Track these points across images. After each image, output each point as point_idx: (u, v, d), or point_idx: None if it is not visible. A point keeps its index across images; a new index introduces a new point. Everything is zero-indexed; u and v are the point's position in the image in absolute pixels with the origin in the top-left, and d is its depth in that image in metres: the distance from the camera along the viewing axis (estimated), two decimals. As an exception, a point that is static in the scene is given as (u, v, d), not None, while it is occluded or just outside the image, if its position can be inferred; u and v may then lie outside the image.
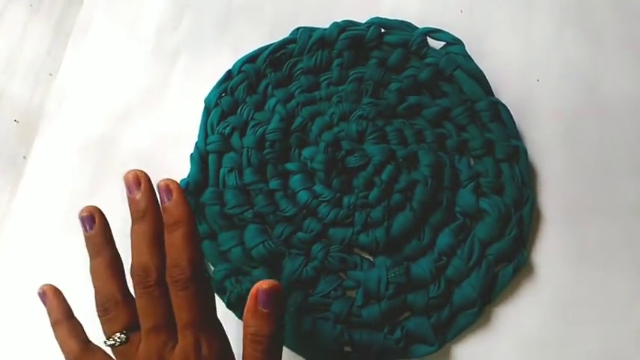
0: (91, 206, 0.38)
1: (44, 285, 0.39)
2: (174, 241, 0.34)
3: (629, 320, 0.43)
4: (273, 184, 0.47)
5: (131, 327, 0.35)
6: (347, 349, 0.43)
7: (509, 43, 0.51)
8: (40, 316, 0.48)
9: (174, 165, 0.49)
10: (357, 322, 0.43)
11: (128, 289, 0.37)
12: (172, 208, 0.34)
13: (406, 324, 0.43)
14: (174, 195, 0.35)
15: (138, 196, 0.36)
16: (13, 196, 0.52)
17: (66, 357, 0.36)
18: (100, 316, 0.36)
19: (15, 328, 0.48)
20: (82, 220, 0.37)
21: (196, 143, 0.49)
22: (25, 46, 0.56)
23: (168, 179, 0.35)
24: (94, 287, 0.36)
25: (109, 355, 0.36)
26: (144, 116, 0.52)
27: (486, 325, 0.44)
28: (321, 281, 0.45)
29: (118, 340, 0.34)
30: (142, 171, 0.36)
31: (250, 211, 0.46)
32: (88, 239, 0.37)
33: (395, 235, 0.45)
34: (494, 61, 0.50)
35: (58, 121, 0.53)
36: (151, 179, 0.49)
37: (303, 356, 0.43)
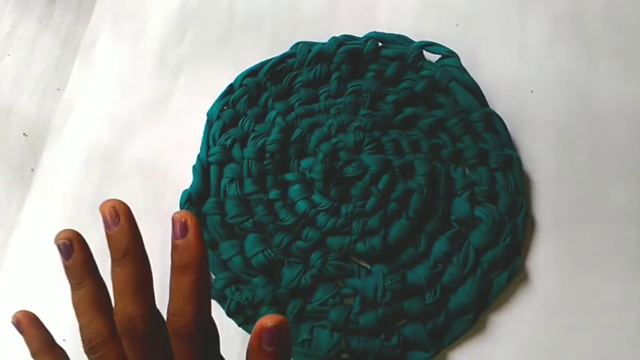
0: (68, 231, 0.33)
1: (17, 312, 0.35)
2: (181, 287, 0.28)
3: (623, 326, 0.44)
4: (273, 194, 0.48)
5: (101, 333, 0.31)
6: (344, 356, 0.44)
7: (503, 55, 0.52)
8: (45, 322, 0.49)
9: (177, 176, 0.51)
10: (354, 329, 0.44)
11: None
12: (186, 248, 0.28)
13: (402, 330, 0.44)
14: (191, 233, 0.28)
15: (116, 232, 0.30)
16: (21, 208, 0.53)
17: None
18: (86, 353, 0.32)
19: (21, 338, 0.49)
20: (59, 247, 0.32)
21: (198, 155, 0.50)
22: (34, 61, 0.58)
23: (185, 212, 0.29)
24: (79, 322, 0.32)
25: None
26: (148, 128, 0.54)
27: (481, 331, 0.45)
28: (319, 289, 0.46)
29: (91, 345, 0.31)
30: (119, 201, 0.31)
31: (250, 220, 0.47)
32: (67, 269, 0.33)
33: (391, 243, 0.46)
34: (489, 73, 0.51)
35: (65, 135, 0.55)
36: (155, 189, 0.51)
37: (302, 363, 0.44)
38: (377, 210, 0.46)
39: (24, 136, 0.55)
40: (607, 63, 0.51)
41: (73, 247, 0.32)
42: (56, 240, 0.32)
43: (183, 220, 0.29)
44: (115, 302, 0.30)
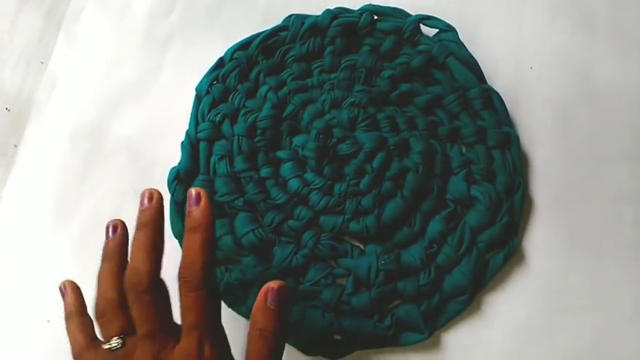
0: (118, 220, 0.39)
1: (65, 281, 0.40)
2: (192, 244, 0.34)
3: (620, 307, 0.43)
4: (264, 171, 0.47)
5: (128, 332, 0.35)
6: (337, 336, 0.43)
7: (502, 30, 0.51)
8: (29, 303, 0.48)
9: (165, 153, 0.50)
10: (346, 310, 0.43)
11: None
12: (197, 213, 0.35)
13: (396, 311, 0.43)
14: (203, 202, 0.35)
15: (145, 207, 0.37)
16: (4, 184, 0.52)
17: (72, 349, 0.37)
18: (97, 320, 0.36)
19: (4, 313, 0.48)
20: (107, 229, 0.39)
21: (187, 131, 0.49)
22: (16, 34, 0.56)
23: (200, 188, 0.36)
24: (97, 292, 0.37)
25: (111, 353, 0.35)
26: (135, 104, 0.52)
27: (477, 312, 0.44)
28: (311, 269, 0.45)
29: (115, 344, 0.34)
30: (157, 190, 0.37)
31: (241, 199, 0.46)
32: (105, 246, 0.38)
33: (385, 223, 0.44)
34: (487, 48, 0.50)
35: (49, 110, 0.54)
36: (143, 167, 0.50)
37: (293, 344, 0.43)
38: (371, 189, 0.45)
39: (6, 111, 0.54)
40: (608, 40, 0.50)
41: (117, 230, 0.39)
42: (108, 223, 0.39)
43: (197, 192, 0.35)
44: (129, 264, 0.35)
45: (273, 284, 0.34)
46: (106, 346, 0.35)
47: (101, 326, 0.36)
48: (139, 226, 0.36)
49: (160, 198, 0.37)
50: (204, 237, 0.34)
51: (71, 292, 0.39)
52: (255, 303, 0.34)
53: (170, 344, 0.34)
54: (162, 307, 0.35)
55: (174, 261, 0.46)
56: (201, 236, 0.34)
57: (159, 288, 0.35)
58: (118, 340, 0.34)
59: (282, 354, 0.35)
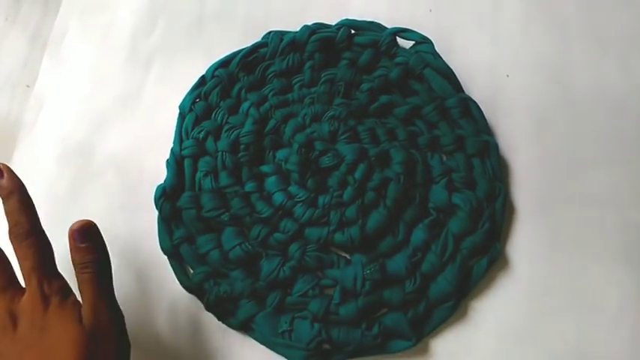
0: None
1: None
2: (12, 207, 0.39)
3: (604, 308, 0.44)
4: (249, 186, 0.47)
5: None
6: (326, 346, 0.44)
7: (477, 39, 0.52)
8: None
9: (150, 170, 0.50)
10: (334, 320, 0.44)
11: None
12: (5, 182, 0.40)
13: (383, 320, 0.43)
14: (5, 173, 0.40)
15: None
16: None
17: None
18: None
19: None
20: None
21: (172, 148, 0.50)
22: (2, 59, 0.56)
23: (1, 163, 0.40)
24: None
25: None
26: (120, 123, 0.53)
27: (463, 318, 0.44)
28: (299, 281, 0.45)
29: None
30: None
31: (227, 213, 0.47)
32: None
33: (370, 233, 0.45)
34: (464, 58, 0.51)
35: (37, 131, 0.54)
36: (130, 184, 0.50)
37: (282, 355, 0.44)
38: (354, 200, 0.46)
39: (-6, 135, 0.54)
40: (582, 45, 0.51)
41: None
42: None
43: None
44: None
45: (73, 225, 0.39)
46: None
47: None
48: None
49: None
50: (20, 198, 0.39)
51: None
52: (69, 246, 0.39)
53: (18, 296, 0.38)
54: (9, 264, 0.40)
55: (163, 272, 0.47)
56: (17, 198, 0.39)
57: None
58: None
59: (110, 283, 0.40)
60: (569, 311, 0.44)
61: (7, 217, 0.39)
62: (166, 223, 0.47)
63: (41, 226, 0.40)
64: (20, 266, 0.39)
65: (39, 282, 0.38)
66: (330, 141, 0.48)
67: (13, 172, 0.40)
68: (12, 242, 0.39)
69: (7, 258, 0.41)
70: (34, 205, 0.41)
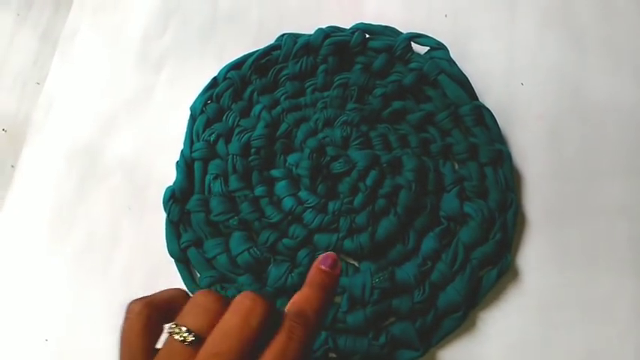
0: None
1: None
2: (315, 298, 0.33)
3: (614, 322, 0.43)
4: (259, 190, 0.47)
5: (201, 339, 0.29)
6: (332, 355, 0.43)
7: (493, 47, 0.51)
8: (27, 322, 0.48)
9: (159, 172, 0.50)
10: (341, 328, 0.43)
11: None
12: (330, 276, 0.34)
13: (391, 329, 0.43)
14: (338, 269, 0.35)
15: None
16: (1, 205, 0.52)
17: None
18: (190, 302, 0.31)
19: (2, 332, 0.48)
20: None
21: (182, 151, 0.49)
22: (12, 55, 0.56)
23: (335, 254, 0.35)
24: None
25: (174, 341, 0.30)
26: (130, 124, 0.53)
27: (471, 329, 0.44)
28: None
29: (184, 336, 0.29)
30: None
31: (236, 218, 0.46)
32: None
33: (379, 240, 0.45)
34: (479, 65, 0.50)
35: (46, 130, 0.54)
36: (138, 186, 0.50)
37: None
38: (365, 206, 0.45)
39: (3, 132, 0.54)
40: (598, 55, 0.50)
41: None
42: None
43: (335, 258, 0.35)
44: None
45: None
46: (177, 332, 0.29)
47: (191, 310, 0.30)
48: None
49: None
50: (327, 298, 0.33)
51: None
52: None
53: None
54: (251, 347, 0.29)
55: (170, 276, 0.47)
56: (324, 296, 0.33)
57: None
58: (191, 337, 0.29)
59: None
60: (578, 324, 0.43)
61: (299, 301, 0.32)
62: (174, 226, 0.47)
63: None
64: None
65: None
66: (342, 147, 0.47)
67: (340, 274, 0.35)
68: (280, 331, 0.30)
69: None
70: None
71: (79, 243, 0.50)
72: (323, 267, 0.34)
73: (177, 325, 0.29)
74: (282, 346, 0.29)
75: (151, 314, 0.30)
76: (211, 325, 0.29)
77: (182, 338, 0.29)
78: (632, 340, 0.43)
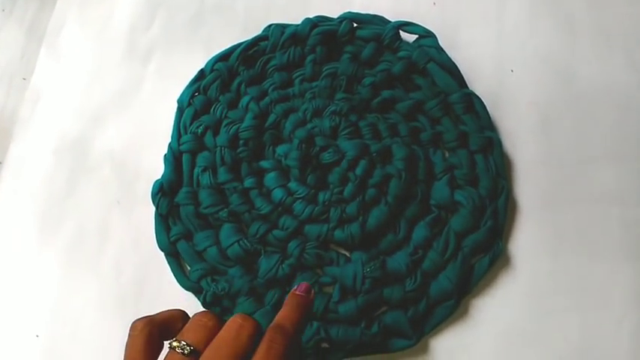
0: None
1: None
2: (292, 312, 0.35)
3: (608, 308, 0.43)
4: (248, 182, 0.46)
5: (197, 348, 0.32)
6: (324, 344, 0.43)
7: (482, 34, 0.51)
8: (18, 317, 0.48)
9: (148, 165, 0.50)
10: (334, 318, 0.43)
11: None
12: (304, 298, 0.37)
13: (383, 318, 0.43)
14: (313, 294, 0.37)
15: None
16: (-11, 202, 0.52)
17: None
18: (191, 321, 0.34)
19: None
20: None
21: (170, 143, 0.49)
22: (-2, 51, 0.56)
23: (309, 286, 0.37)
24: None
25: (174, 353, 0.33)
26: (117, 117, 0.52)
27: (464, 317, 0.44)
28: (298, 278, 0.44)
29: (183, 347, 0.32)
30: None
31: (225, 210, 0.46)
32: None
33: (370, 230, 0.44)
34: (468, 52, 0.50)
35: (33, 125, 0.53)
36: (127, 179, 0.50)
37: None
38: (355, 196, 0.45)
39: (-10, 128, 0.54)
40: (588, 40, 0.50)
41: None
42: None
43: (309, 286, 0.37)
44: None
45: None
46: (177, 344, 0.32)
47: (191, 327, 0.33)
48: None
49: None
50: (303, 315, 0.35)
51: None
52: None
53: None
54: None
55: (160, 269, 0.46)
56: (301, 313, 0.35)
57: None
58: (188, 348, 0.32)
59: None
60: (571, 310, 0.43)
61: (278, 317, 0.35)
62: (164, 220, 0.47)
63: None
64: None
65: None
66: (331, 136, 0.47)
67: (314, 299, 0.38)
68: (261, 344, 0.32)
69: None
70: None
71: (68, 238, 0.50)
72: (298, 292, 0.37)
73: (177, 339, 0.33)
74: (264, 353, 0.32)
75: (152, 331, 0.33)
76: (208, 340, 0.33)
77: (181, 350, 0.32)
78: (626, 326, 0.42)
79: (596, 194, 0.46)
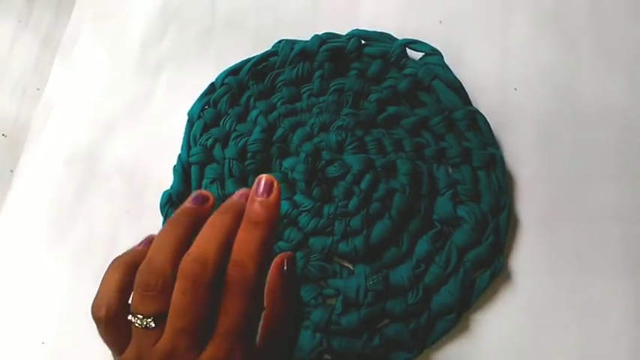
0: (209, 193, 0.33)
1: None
2: (249, 241, 0.29)
3: (606, 324, 0.43)
4: (255, 194, 0.47)
5: (163, 315, 0.29)
6: (327, 356, 0.44)
7: (486, 52, 0.52)
8: (25, 324, 0.49)
9: (157, 177, 0.51)
10: (336, 330, 0.44)
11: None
12: (264, 206, 0.29)
13: (385, 331, 0.44)
14: (274, 194, 0.30)
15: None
16: (0, 209, 0.53)
17: (99, 297, 0.31)
18: (137, 288, 0.29)
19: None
20: (197, 196, 0.33)
21: (179, 155, 0.50)
22: (13, 61, 0.57)
23: (274, 178, 0.31)
24: (149, 255, 0.30)
25: (139, 331, 0.29)
26: (128, 129, 0.53)
27: (464, 331, 0.44)
28: (302, 290, 0.45)
29: (144, 323, 0.29)
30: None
31: (232, 221, 0.47)
32: (185, 209, 0.32)
33: (374, 243, 0.45)
34: (473, 70, 0.51)
35: (45, 135, 0.55)
36: (136, 190, 0.50)
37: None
38: (359, 210, 0.46)
39: (3, 137, 0.55)
40: (590, 60, 0.51)
41: (208, 201, 0.32)
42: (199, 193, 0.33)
43: (270, 181, 0.30)
44: (194, 244, 0.29)
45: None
46: (133, 320, 0.29)
47: (140, 298, 0.29)
48: (222, 210, 0.31)
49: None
50: (263, 235, 0.29)
51: (145, 246, 0.33)
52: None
53: (197, 347, 0.28)
54: (210, 305, 0.28)
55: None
56: (259, 234, 0.29)
57: (217, 286, 0.28)
58: (150, 322, 0.29)
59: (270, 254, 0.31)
60: (571, 326, 0.44)
61: (235, 245, 0.29)
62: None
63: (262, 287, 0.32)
64: (219, 317, 0.28)
65: (228, 351, 0.28)
66: (337, 151, 0.48)
67: (279, 203, 0.30)
68: (225, 286, 0.28)
69: (212, 297, 0.28)
70: (272, 250, 0.31)
71: (77, 247, 0.51)
72: (258, 198, 0.30)
73: (132, 313, 0.29)
74: (226, 305, 0.28)
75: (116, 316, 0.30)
76: (164, 304, 0.28)
77: (140, 324, 0.28)
78: (625, 342, 0.43)
79: (596, 211, 0.46)
